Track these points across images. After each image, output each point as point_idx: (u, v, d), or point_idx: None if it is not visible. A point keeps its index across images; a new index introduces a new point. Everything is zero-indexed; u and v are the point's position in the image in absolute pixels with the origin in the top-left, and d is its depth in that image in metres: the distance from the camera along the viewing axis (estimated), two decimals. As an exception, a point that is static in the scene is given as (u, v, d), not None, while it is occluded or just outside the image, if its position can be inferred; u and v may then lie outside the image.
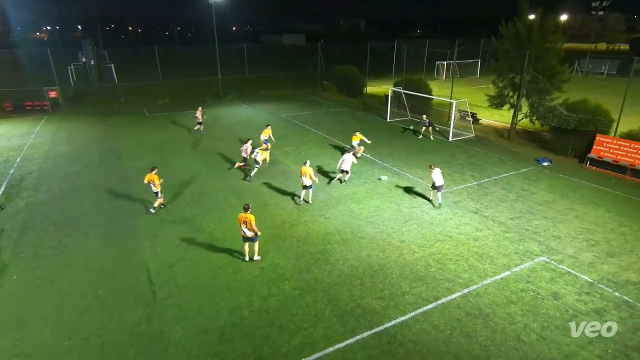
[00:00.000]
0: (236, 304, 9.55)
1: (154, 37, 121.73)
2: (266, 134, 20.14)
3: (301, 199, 14.93)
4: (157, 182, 13.74)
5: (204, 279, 10.50)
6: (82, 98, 34.46)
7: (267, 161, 18.82)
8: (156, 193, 13.96)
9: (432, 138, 23.57)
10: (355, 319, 9.04)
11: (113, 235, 12.74)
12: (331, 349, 8.22)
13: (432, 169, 14.54)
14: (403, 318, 9.08)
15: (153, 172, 13.76)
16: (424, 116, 24.07)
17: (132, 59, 53.92)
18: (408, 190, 16.15)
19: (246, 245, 11.21)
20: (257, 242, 11.14)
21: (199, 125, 24.62)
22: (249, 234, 10.83)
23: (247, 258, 11.27)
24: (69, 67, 39.94)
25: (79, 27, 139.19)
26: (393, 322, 8.96)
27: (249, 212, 10.76)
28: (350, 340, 8.42)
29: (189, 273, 10.77)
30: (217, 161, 19.68)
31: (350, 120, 28.53)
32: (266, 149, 18.81)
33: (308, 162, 14.49)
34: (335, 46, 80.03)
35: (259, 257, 11.37)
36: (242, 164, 17.96)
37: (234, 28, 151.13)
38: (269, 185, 16.61)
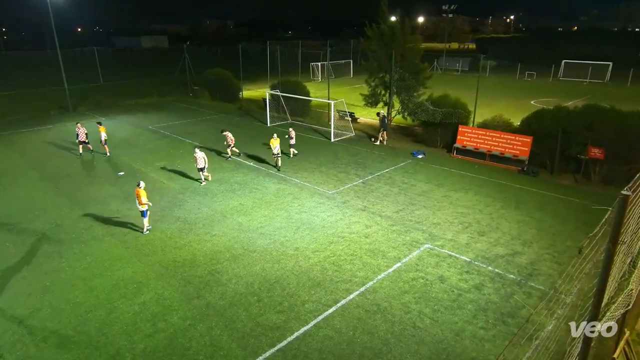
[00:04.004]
0: (115, 350, 8.61)
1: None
2: (103, 130, 21.47)
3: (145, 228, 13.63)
4: None
5: (69, 329, 9.24)
6: None
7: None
8: None
9: (380, 143, 23.75)
10: (256, 339, 8.91)
11: None
12: (233, 377, 7.97)
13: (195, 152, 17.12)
14: (305, 328, 9.25)
15: None
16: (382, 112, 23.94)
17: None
18: (296, 195, 16.53)
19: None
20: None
21: (82, 145, 21.30)
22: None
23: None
24: None
25: None
26: (296, 334, 9.07)
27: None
28: (253, 363, 8.28)
29: (49, 324, 9.37)
30: (71, 185, 17.52)
31: (227, 127, 28.00)
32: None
33: (142, 184, 13.40)
34: (204, 48, 78.26)
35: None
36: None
37: (78, 29, 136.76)
38: (142, 207, 15.40)
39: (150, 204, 13.55)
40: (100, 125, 21.97)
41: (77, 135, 21.09)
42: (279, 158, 19.27)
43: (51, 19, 31.38)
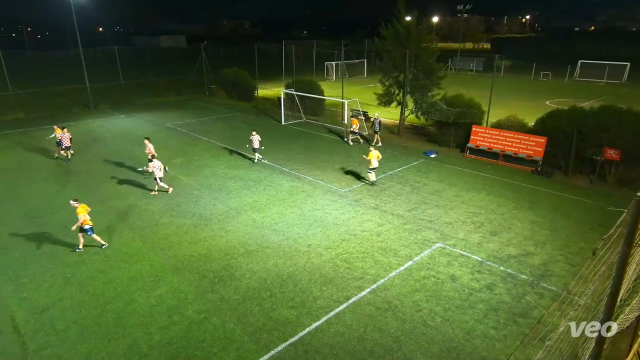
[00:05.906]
0: (131, 341, 8.76)
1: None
2: (59, 132, 19.94)
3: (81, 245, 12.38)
4: None
5: (88, 319, 9.43)
6: None
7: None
8: None
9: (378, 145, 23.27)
10: (268, 333, 8.97)
11: (-41, 284, 10.73)
12: (245, 370, 8.04)
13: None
14: (317, 324, 9.27)
15: None
16: (376, 114, 23.65)
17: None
18: (309, 193, 16.55)
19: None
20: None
21: (63, 152, 20.01)
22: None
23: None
24: None
25: None
26: (307, 329, 9.09)
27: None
28: (265, 357, 8.33)
29: (69, 314, 9.58)
30: (91, 182, 17.84)
31: (242, 125, 28.22)
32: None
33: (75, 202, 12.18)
34: (220, 48, 78.76)
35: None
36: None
37: (100, 29, 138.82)
38: (159, 203, 15.60)
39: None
40: (57, 127, 20.04)
41: (61, 141, 19.77)
42: (373, 172, 17.12)
43: (74, 19, 31.96)
